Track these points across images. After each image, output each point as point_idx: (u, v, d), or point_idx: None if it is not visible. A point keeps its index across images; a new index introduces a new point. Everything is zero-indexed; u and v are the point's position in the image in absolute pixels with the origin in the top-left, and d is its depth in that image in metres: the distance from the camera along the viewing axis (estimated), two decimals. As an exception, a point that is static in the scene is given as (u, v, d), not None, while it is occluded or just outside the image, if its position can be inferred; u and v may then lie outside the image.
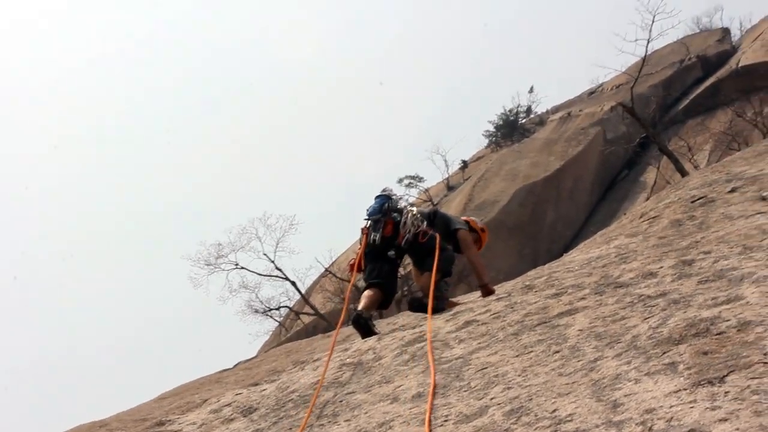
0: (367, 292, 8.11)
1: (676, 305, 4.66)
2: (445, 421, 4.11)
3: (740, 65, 46.42)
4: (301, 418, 5.19)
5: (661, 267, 5.65)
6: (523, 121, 56.41)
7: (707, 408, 3.27)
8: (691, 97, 48.73)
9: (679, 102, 49.48)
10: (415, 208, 8.49)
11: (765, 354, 3.60)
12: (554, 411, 3.77)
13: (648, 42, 34.81)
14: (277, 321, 44.75)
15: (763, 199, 7.80)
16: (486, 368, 4.75)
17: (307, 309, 43.34)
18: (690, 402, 3.38)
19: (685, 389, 3.51)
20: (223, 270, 41.83)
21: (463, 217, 9.37)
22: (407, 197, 49.14)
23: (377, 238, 8.18)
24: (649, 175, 42.32)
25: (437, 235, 8.17)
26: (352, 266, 8.52)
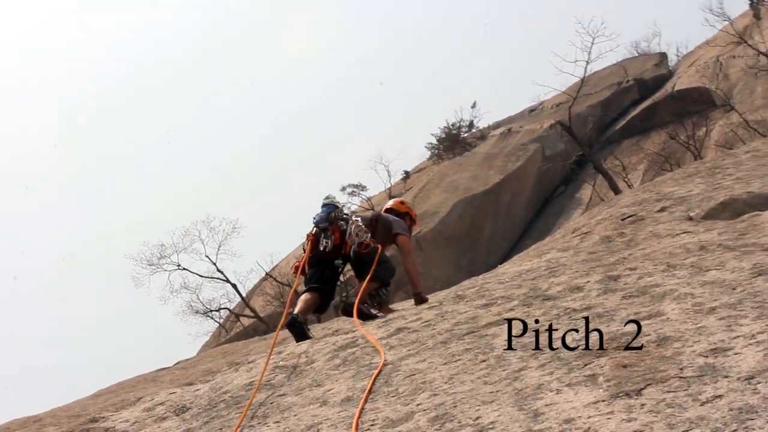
0: (305, 296, 8.15)
1: (599, 319, 4.71)
2: (372, 425, 4.11)
3: (675, 89, 47.11)
4: (232, 418, 5.16)
5: (588, 281, 5.71)
6: (465, 135, 56.65)
7: (623, 419, 3.31)
8: (628, 118, 49.34)
9: (616, 122, 50.09)
10: (359, 219, 8.51)
11: (681, 369, 3.65)
12: (477, 418, 3.78)
13: (587, 63, 35.34)
14: (217, 322, 44.74)
15: (690, 219, 7.92)
16: (414, 375, 4.75)
17: (247, 311, 43.27)
18: (607, 413, 3.41)
19: (603, 401, 3.55)
20: (165, 270, 41.87)
21: (395, 199, 9.49)
22: (350, 205, 49.15)
23: (329, 246, 8.24)
24: (585, 192, 42.79)
25: (378, 247, 8.23)
26: (296, 269, 8.52)
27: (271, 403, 5.16)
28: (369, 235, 8.26)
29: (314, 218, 8.53)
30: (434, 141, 56.73)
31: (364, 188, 53.22)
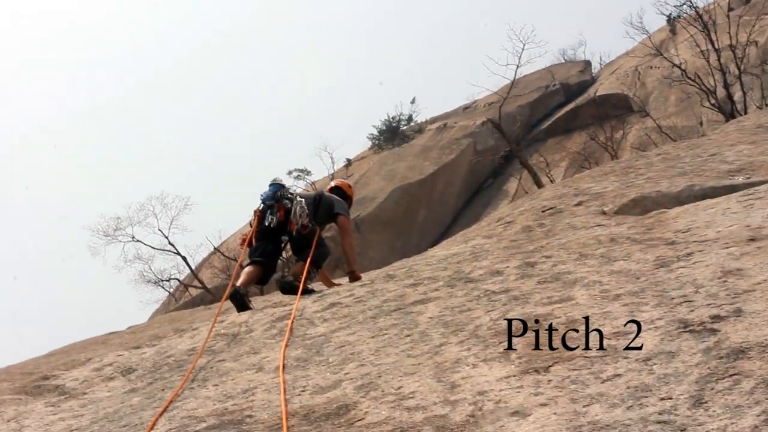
0: (247, 269, 8.17)
1: (516, 301, 4.75)
2: (303, 391, 4.11)
3: (597, 95, 47.57)
4: (174, 380, 5.13)
5: (508, 266, 5.75)
6: (404, 128, 56.60)
7: (531, 393, 3.35)
8: (553, 119, 49.73)
9: (542, 122, 50.47)
10: (303, 200, 8.50)
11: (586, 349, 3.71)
12: (399, 388, 3.80)
13: (517, 67, 35.57)
14: (167, 291, 44.58)
15: (604, 213, 8.01)
16: (344, 346, 4.76)
17: (195, 283, 43.11)
18: (517, 387, 3.45)
19: (514, 376, 3.59)
20: (120, 242, 41.99)
21: (342, 180, 9.54)
22: (295, 188, 48.94)
23: (273, 221, 8.23)
24: (511, 185, 43.06)
25: (317, 229, 8.31)
26: (243, 242, 8.54)
27: (211, 368, 5.13)
28: (309, 218, 8.29)
29: (261, 196, 8.53)
30: (375, 132, 56.69)
31: (309, 173, 53.04)
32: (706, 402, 2.90)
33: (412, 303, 5.39)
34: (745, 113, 26.47)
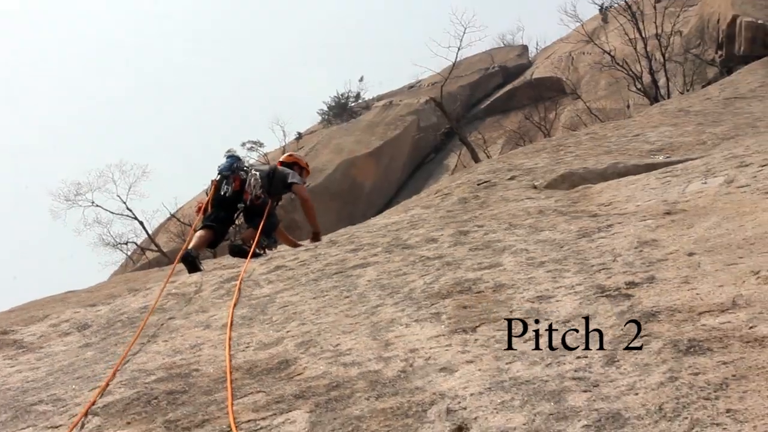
0: (199, 233, 8.20)
1: (448, 266, 4.78)
2: (247, 347, 4.10)
3: (533, 77, 47.84)
4: (127, 336, 5.07)
5: (442, 234, 5.77)
6: (352, 104, 56.41)
7: (458, 351, 3.37)
8: (492, 99, 49.88)
9: (481, 102, 50.59)
10: (258, 173, 8.54)
11: (511, 311, 3.74)
12: (337, 345, 3.81)
13: (458, 50, 35.75)
14: (125, 254, 44.26)
15: (534, 187, 8.08)
16: (287, 306, 4.75)
17: (152, 246, 42.75)
18: (446, 345, 3.47)
19: (443, 335, 3.61)
20: (80, 206, 41.75)
21: (288, 155, 9.56)
22: (248, 159, 48.59)
23: (228, 191, 8.25)
24: (451, 160, 43.15)
25: (269, 201, 8.34)
26: (199, 209, 8.59)
27: (162, 325, 5.09)
28: (263, 189, 8.32)
29: (219, 167, 8.55)
30: (325, 108, 56.47)
31: (261, 145, 52.70)
32: (618, 361, 2.95)
33: (352, 267, 5.39)
34: (669, 98, 26.83)
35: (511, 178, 8.78)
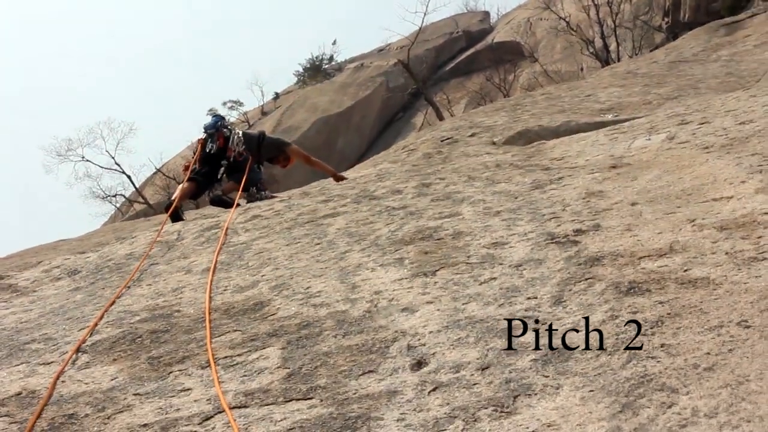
0: (183, 185, 8.20)
1: (411, 216, 4.78)
2: (225, 290, 4.09)
3: (494, 42, 47.67)
4: (114, 280, 5.04)
5: (407, 186, 5.77)
6: (326, 66, 56.00)
7: (419, 293, 3.40)
8: (455, 62, 49.65)
9: (446, 65, 50.34)
10: (240, 132, 8.58)
11: (468, 257, 3.76)
12: (308, 288, 3.82)
13: (424, 15, 35.63)
14: (114, 206, 44.15)
15: (493, 143, 8.09)
16: (262, 252, 4.74)
17: (139, 199, 42.50)
18: (408, 288, 3.49)
19: (406, 278, 3.63)
20: (71, 161, 41.61)
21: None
22: (229, 117, 48.19)
23: (213, 148, 8.24)
24: (418, 119, 43.00)
25: (250, 158, 8.33)
26: (186, 168, 8.57)
27: (145, 270, 5.06)
28: (245, 147, 8.34)
29: (204, 125, 8.54)
30: (301, 69, 56.03)
31: (241, 104, 52.32)
32: (564, 301, 2.98)
33: (322, 216, 5.38)
34: (619, 61, 26.86)
35: (472, 135, 8.76)
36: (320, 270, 4.08)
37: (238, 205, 7.60)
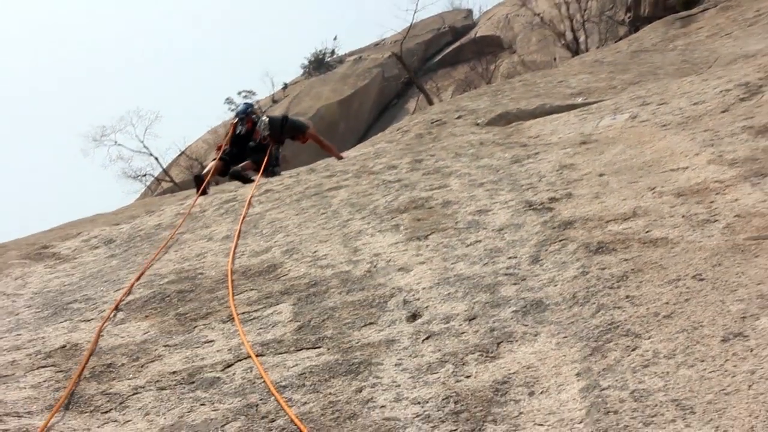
0: (212, 163, 8.29)
1: (405, 188, 4.76)
2: (242, 255, 4.08)
3: (477, 36, 47.34)
4: (144, 248, 5.03)
5: (401, 162, 5.73)
6: (329, 59, 55.64)
7: (413, 255, 3.39)
8: (443, 54, 49.29)
9: (434, 57, 49.94)
10: (268, 118, 8.70)
11: (456, 222, 3.75)
12: (315, 251, 3.81)
13: (414, 12, 35.42)
14: (144, 185, 44.06)
15: (477, 124, 8.04)
16: (274, 221, 4.73)
17: (166, 178, 42.49)
18: (403, 250, 3.49)
19: (401, 242, 3.62)
20: (105, 145, 41.93)
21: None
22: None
23: (243, 130, 8.44)
24: (411, 104, 42.77)
25: (271, 143, 8.40)
26: (219, 147, 8.69)
27: (173, 239, 5.06)
28: (268, 133, 8.42)
29: (236, 111, 8.87)
30: (306, 62, 55.69)
31: (254, 93, 52.07)
32: (541, 260, 2.98)
33: (327, 189, 5.35)
34: (587, 52, 26.70)
35: (458, 117, 8.71)
36: (326, 236, 4.07)
37: (252, 180, 7.61)
